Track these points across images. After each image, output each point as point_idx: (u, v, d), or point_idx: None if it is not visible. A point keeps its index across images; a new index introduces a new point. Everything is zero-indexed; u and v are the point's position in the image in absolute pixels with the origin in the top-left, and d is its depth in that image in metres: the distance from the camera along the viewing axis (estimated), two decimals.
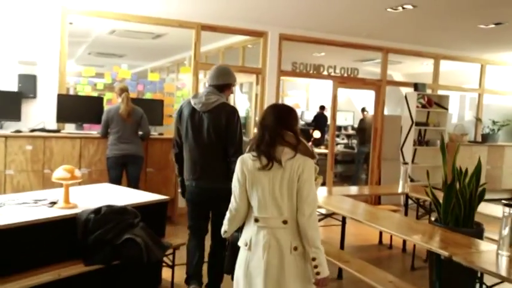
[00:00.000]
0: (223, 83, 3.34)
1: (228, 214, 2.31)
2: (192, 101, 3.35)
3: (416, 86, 8.01)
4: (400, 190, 4.96)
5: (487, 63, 8.78)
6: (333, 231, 5.09)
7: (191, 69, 6.44)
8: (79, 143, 5.39)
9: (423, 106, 8.00)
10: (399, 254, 5.27)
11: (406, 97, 8.07)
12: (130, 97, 5.31)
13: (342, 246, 4.32)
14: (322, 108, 13.05)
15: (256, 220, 2.20)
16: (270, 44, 6.91)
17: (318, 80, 13.66)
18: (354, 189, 5.30)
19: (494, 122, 8.71)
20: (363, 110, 9.93)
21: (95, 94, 6.02)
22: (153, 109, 5.98)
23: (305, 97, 15.23)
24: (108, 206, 3.21)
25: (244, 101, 10.98)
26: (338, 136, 10.81)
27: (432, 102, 8.15)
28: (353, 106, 13.56)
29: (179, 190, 3.65)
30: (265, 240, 2.17)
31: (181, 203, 6.22)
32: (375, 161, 8.03)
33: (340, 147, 10.77)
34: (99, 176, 5.48)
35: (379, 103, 7.97)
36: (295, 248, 2.17)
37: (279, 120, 2.21)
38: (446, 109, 8.23)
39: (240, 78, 7.60)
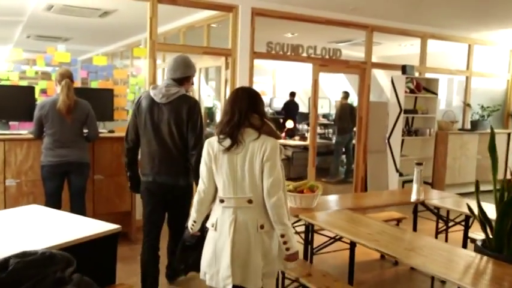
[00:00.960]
0: (181, 76, 3.25)
1: (196, 197, 2.37)
2: (151, 92, 3.23)
3: (404, 69, 7.14)
4: (413, 198, 3.99)
5: (475, 43, 8.01)
6: (337, 257, 4.12)
7: (147, 51, 5.28)
8: (2, 146, 4.17)
9: (411, 91, 7.15)
10: (407, 272, 4.35)
11: (392, 81, 7.19)
12: (72, 86, 4.09)
13: (350, 281, 3.26)
14: (293, 95, 12.09)
15: (222, 201, 2.28)
16: (240, 20, 5.82)
17: (291, 63, 12.69)
18: (355, 200, 4.23)
19: (483, 108, 7.99)
20: (345, 94, 8.96)
21: (25, 83, 4.76)
22: (100, 101, 4.81)
23: (271, 84, 14.22)
24: (22, 256, 2.07)
25: (208, 90, 9.90)
26: None
27: (421, 87, 7.31)
28: (323, 92, 12.68)
29: (128, 184, 3.53)
30: (230, 219, 2.24)
31: (140, 214, 5.13)
32: (360, 154, 7.13)
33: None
34: (33, 187, 4.30)
35: (363, 88, 7.05)
36: (262, 226, 2.23)
37: (251, 105, 2.27)
38: (436, 94, 7.42)
39: (205, 62, 6.49)
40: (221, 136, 2.26)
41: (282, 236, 2.22)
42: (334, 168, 8.86)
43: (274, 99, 13.32)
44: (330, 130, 10.27)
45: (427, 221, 4.48)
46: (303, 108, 12.60)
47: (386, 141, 7.29)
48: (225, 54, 5.88)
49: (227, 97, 2.48)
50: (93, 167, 4.56)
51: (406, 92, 7.06)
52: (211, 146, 2.30)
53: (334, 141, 9.06)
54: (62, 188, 4.16)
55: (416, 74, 7.40)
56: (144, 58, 5.37)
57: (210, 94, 9.91)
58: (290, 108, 11.85)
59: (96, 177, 4.66)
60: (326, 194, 4.11)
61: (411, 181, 7.64)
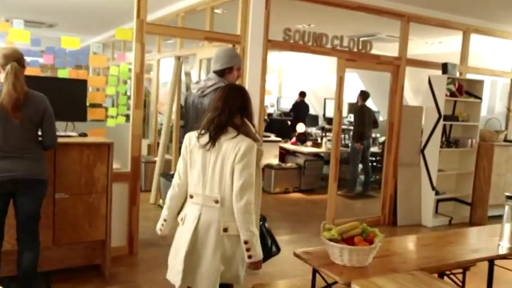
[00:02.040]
0: (222, 68, 3.04)
1: (168, 192, 2.32)
2: (192, 86, 3.12)
3: (445, 68, 5.97)
4: (505, 244, 2.78)
5: None
6: None
7: (133, 32, 4.11)
8: None
9: (451, 94, 5.98)
10: None
11: (430, 81, 6.03)
12: (23, 73, 2.94)
13: None
14: (303, 95, 10.94)
15: (191, 196, 2.24)
16: (253, 1, 4.67)
17: (299, 60, 11.67)
18: (427, 250, 2.73)
19: None
20: (364, 95, 7.76)
21: None
22: (70, 95, 3.67)
23: (277, 82, 13.04)
24: None
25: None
26: (328, 130, 8.69)
27: (463, 90, 6.15)
28: (332, 92, 11.48)
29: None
30: (194, 215, 2.19)
31: (116, 241, 3.99)
32: (389, 168, 5.97)
33: (330, 144, 8.65)
34: None
35: (396, 89, 5.89)
36: (225, 230, 2.13)
37: (243, 106, 2.22)
38: (480, 98, 6.25)
39: (207, 51, 5.35)
40: (202, 132, 2.21)
41: (246, 242, 2.10)
42: (351, 180, 7.69)
43: (281, 99, 12.17)
44: (344, 135, 9.08)
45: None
46: (311, 110, 11.45)
47: (420, 152, 6.13)
48: (233, 42, 4.72)
49: (217, 93, 2.29)
50: (54, 182, 3.41)
51: (446, 95, 5.90)
52: (189, 140, 2.26)
53: (350, 148, 7.87)
54: (4, 214, 3.00)
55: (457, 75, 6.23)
56: (131, 42, 4.20)
57: None
58: (300, 109, 10.70)
59: (59, 196, 3.50)
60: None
61: (447, 200, 6.50)
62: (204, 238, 2.15)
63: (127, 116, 4.34)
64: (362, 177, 8.00)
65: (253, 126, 2.26)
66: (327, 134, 8.72)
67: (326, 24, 6.37)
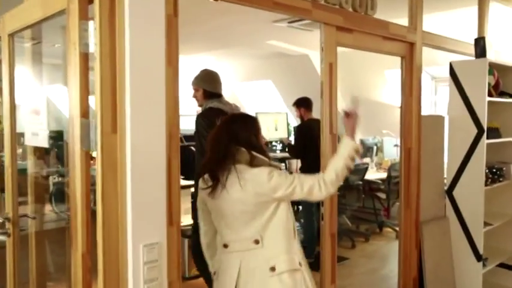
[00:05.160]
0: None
1: (202, 241, 2.14)
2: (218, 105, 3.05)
3: (481, 46, 3.48)
4: None
5: None
6: None
7: None
8: None
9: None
10: None
11: (453, 72, 3.49)
12: None
13: None
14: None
15: (225, 246, 1.99)
16: None
17: (214, 62, 8.58)
18: None
19: None
20: (307, 103, 5.10)
21: None
22: None
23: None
24: None
25: None
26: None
27: (500, 85, 3.71)
28: (244, 106, 8.88)
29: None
30: (235, 265, 1.92)
31: None
32: (409, 233, 3.28)
33: None
34: None
35: (411, 87, 3.25)
36: (273, 269, 1.89)
37: (232, 137, 1.96)
38: None
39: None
40: (206, 177, 1.99)
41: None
42: (309, 238, 4.91)
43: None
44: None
45: None
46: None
47: (446, 194, 3.56)
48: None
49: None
50: None
51: (489, 93, 3.40)
52: (201, 187, 2.01)
53: None
54: None
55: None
56: None
57: None
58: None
59: None
60: None
61: (502, 267, 3.54)
62: (251, 286, 1.89)
63: None
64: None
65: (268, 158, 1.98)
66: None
67: None
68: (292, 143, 6.27)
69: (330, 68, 2.57)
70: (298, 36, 5.90)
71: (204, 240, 2.13)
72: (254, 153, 1.93)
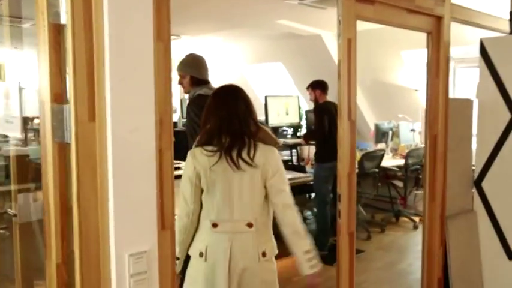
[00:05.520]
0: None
1: (180, 224, 1.93)
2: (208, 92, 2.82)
3: None
4: None
5: None
6: None
7: None
8: None
9: None
10: None
11: (484, 50, 3.14)
12: None
13: None
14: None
15: (215, 225, 1.92)
16: None
17: (221, 43, 8.10)
18: None
19: None
20: (323, 85, 4.83)
21: None
22: None
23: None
24: None
25: None
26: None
27: None
28: (252, 90, 8.64)
29: None
30: (224, 247, 1.88)
31: None
32: (434, 229, 2.97)
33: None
34: None
35: (438, 67, 2.91)
36: (264, 254, 1.92)
37: (248, 107, 1.96)
38: None
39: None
40: (210, 148, 1.89)
41: (308, 251, 1.90)
42: (321, 231, 4.62)
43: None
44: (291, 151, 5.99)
45: None
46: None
47: (474, 185, 3.24)
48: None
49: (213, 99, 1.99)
50: None
51: None
52: (197, 160, 1.90)
53: (314, 176, 4.77)
54: None
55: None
56: None
57: None
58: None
59: None
60: None
61: None
62: (242, 270, 1.87)
63: None
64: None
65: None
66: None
67: None
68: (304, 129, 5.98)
69: (349, 45, 2.25)
70: (310, 15, 5.57)
71: (185, 220, 1.96)
72: (259, 123, 1.95)
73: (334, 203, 4.43)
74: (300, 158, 5.76)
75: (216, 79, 9.31)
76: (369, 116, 7.34)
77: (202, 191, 1.95)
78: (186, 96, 9.24)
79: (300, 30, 6.66)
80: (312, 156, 5.54)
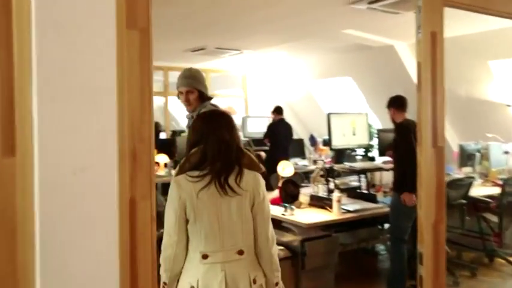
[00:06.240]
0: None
1: (164, 254, 1.82)
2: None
3: None
4: None
5: None
6: None
7: None
8: None
9: None
10: None
11: None
12: None
13: None
14: (279, 111, 7.06)
15: (205, 256, 1.82)
16: None
17: (286, 58, 7.55)
18: None
19: None
20: (401, 100, 4.10)
21: None
22: None
23: (242, 97, 9.22)
24: None
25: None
26: (338, 174, 4.79)
27: None
28: (318, 106, 8.01)
29: None
30: (219, 278, 1.80)
31: None
32: None
33: (349, 203, 4.75)
34: None
35: None
36: (254, 281, 1.86)
37: (234, 133, 1.90)
38: None
39: None
40: (194, 174, 1.79)
41: (277, 284, 1.90)
42: (397, 279, 3.83)
43: (248, 120, 8.40)
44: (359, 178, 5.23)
45: None
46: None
47: None
48: None
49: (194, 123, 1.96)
50: None
51: None
52: (182, 187, 1.79)
53: (391, 207, 4.00)
54: None
55: None
56: None
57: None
58: (279, 133, 6.88)
59: None
60: None
61: None
62: None
63: None
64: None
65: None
66: (336, 178, 4.83)
67: None
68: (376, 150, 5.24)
69: (433, 40, 1.59)
70: (380, 22, 4.91)
71: (169, 251, 1.83)
72: (243, 148, 1.91)
73: (413, 237, 3.68)
74: (369, 184, 5.01)
75: (281, 96, 8.87)
76: (451, 135, 6.47)
77: (187, 221, 1.82)
78: (246, 113, 8.68)
79: (369, 41, 6.00)
80: (384, 182, 4.80)
